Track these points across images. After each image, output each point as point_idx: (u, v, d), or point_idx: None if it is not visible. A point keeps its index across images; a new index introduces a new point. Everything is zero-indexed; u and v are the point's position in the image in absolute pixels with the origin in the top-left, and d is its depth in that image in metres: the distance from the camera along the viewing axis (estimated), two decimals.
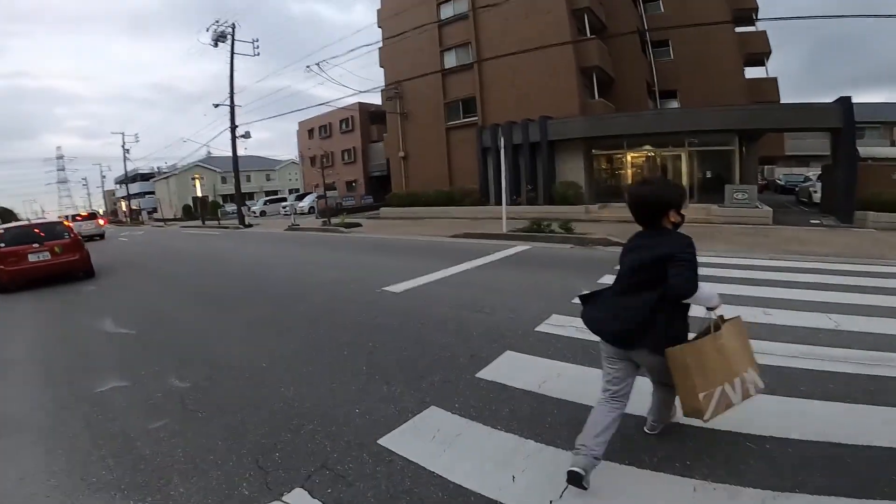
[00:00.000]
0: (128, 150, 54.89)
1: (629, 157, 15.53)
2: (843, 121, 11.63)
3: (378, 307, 5.40)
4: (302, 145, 42.31)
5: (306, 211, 29.64)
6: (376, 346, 3.93)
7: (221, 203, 51.64)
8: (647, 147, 15.11)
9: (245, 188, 60.44)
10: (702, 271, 1.93)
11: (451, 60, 20.37)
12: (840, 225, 11.13)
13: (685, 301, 1.86)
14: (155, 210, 60.35)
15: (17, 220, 57.13)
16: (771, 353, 3.23)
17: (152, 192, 62.12)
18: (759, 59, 24.70)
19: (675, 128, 13.51)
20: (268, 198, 42.58)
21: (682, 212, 1.97)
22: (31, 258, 8.38)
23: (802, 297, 4.80)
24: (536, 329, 4.15)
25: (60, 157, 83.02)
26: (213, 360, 3.87)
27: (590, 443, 1.88)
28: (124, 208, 58.25)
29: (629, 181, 15.63)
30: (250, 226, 24.20)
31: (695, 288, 1.79)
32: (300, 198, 35.68)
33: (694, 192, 14.58)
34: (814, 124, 12.58)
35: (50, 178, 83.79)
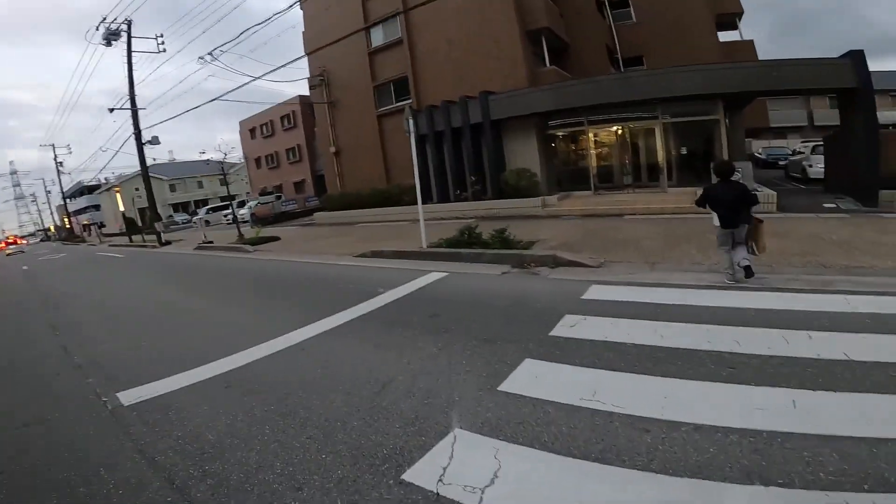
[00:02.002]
0: (61, 162, 49.95)
1: (591, 136, 12.69)
2: (858, 80, 8.98)
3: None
4: (245, 146, 38.38)
5: (247, 219, 26.41)
6: None
7: (159, 216, 47.76)
8: (613, 119, 12.29)
9: (198, 195, 56.22)
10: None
11: (378, 37, 17.12)
12: (863, 209, 8.52)
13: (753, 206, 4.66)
14: (103, 224, 55.62)
15: None
16: None
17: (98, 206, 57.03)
18: (731, 20, 22.21)
19: (645, 95, 10.71)
20: (210, 206, 38.49)
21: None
22: None
23: None
24: None
25: (14, 173, 76.14)
26: None
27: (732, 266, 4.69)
28: (69, 224, 53.35)
29: (593, 163, 12.82)
30: (167, 243, 20.82)
31: (757, 202, 4.76)
32: (241, 204, 32.10)
33: (672, 174, 11.87)
34: (822, 84, 9.92)
35: (7, 194, 76.76)
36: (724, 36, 20.96)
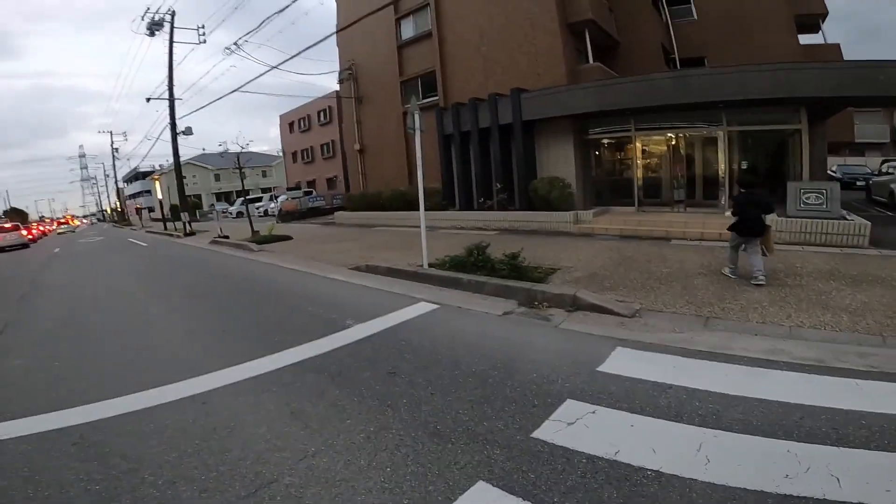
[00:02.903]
0: (116, 148, 52.99)
1: (638, 144, 11.00)
2: None
3: None
4: (284, 140, 38.71)
5: (276, 213, 26.42)
6: None
7: (189, 206, 49.76)
8: (666, 125, 10.56)
9: (240, 186, 57.78)
10: None
11: (408, 30, 16.07)
12: None
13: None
14: (152, 209, 58.59)
15: (27, 220, 56.77)
16: None
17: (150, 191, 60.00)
18: (813, 22, 19.60)
19: (707, 97, 8.97)
20: (242, 199, 39.01)
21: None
22: None
23: None
24: None
25: (83, 156, 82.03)
26: None
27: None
28: (120, 208, 56.36)
29: (639, 175, 11.12)
30: (192, 234, 20.87)
31: (773, 210, 5.82)
32: (273, 198, 32.28)
33: (734, 192, 10.00)
34: None
35: (74, 175, 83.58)
36: (804, 39, 18.47)
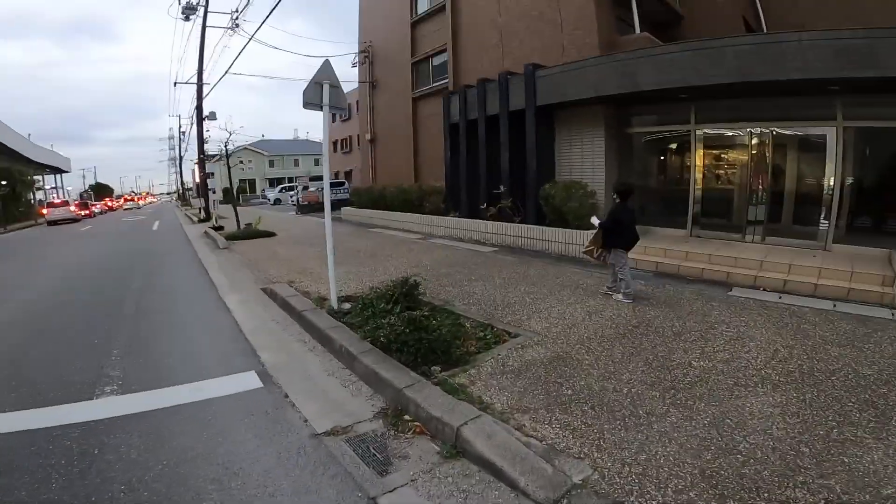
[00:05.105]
0: (183, 132, 55.79)
1: (700, 142, 7.83)
2: None
3: None
4: (328, 128, 37.93)
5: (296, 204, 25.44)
6: None
7: (254, 188, 51.74)
8: (744, 115, 7.34)
9: (293, 172, 58.93)
10: None
11: (423, 4, 13.70)
12: None
13: None
14: (214, 191, 61.50)
15: (112, 195, 62.07)
16: None
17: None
18: None
19: (814, 72, 5.79)
20: (282, 185, 39.02)
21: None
22: None
23: None
24: None
25: (171, 138, 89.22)
26: None
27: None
28: (182, 189, 59.53)
29: (697, 185, 7.98)
30: (207, 219, 20.18)
31: None
32: (306, 188, 31.47)
33: (843, 217, 6.66)
34: None
35: (163, 155, 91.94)
36: None
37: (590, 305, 4.76)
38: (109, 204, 43.95)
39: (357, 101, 30.07)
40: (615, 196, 5.08)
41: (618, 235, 4.89)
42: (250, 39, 16.66)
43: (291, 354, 3.68)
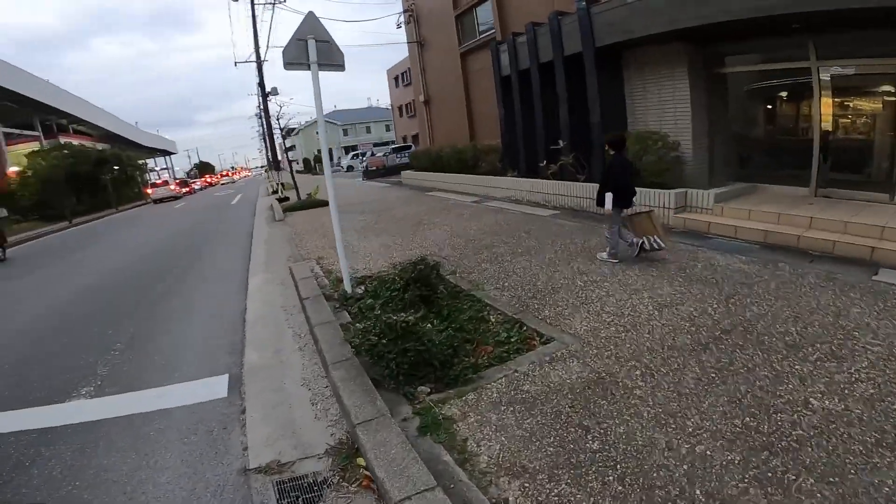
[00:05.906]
0: (263, 109, 58.99)
1: (823, 83, 5.82)
2: None
3: None
4: (392, 95, 37.55)
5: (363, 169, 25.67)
6: None
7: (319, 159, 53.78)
8: (883, 54, 5.25)
9: (365, 139, 60.33)
10: None
11: None
12: None
13: None
14: (298, 163, 65.46)
15: (214, 172, 68.88)
16: None
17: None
18: None
19: None
20: (353, 153, 39.64)
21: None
22: None
23: None
24: None
25: (259, 116, 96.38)
26: None
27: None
28: (267, 164, 64.08)
29: (820, 132, 6.04)
30: (276, 192, 21.13)
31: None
32: (358, 156, 31.57)
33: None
34: None
35: (256, 132, 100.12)
36: None
37: (662, 294, 3.65)
38: (209, 180, 48.38)
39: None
40: (607, 147, 4.70)
41: (613, 191, 4.41)
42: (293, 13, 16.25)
43: (277, 354, 3.20)
